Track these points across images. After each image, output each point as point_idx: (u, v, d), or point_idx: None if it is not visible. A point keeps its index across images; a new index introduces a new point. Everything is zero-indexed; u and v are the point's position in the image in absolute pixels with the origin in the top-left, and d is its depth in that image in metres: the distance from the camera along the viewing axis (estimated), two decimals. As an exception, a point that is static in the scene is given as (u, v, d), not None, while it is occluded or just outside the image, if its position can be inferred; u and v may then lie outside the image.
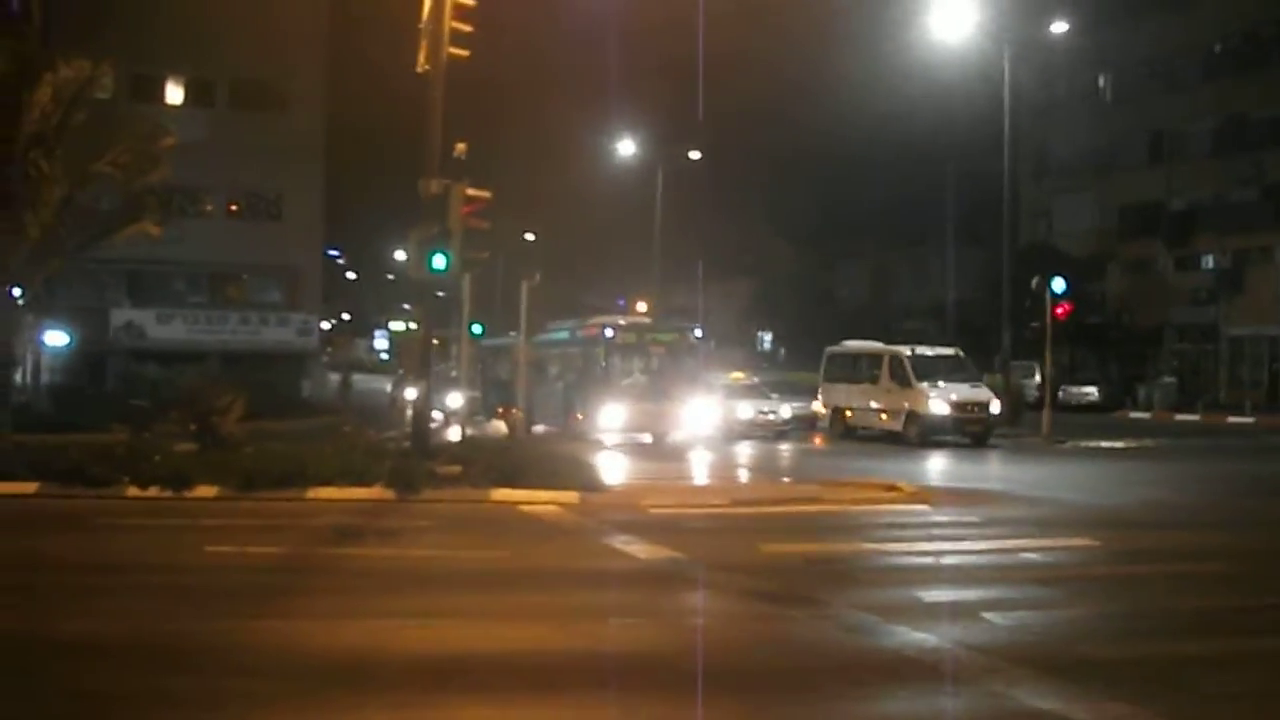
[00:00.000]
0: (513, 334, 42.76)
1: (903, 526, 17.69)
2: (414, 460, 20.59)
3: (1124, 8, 61.29)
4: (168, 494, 18.67)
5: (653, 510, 18.69)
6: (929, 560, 14.73)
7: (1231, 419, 48.80)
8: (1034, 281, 43.31)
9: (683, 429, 34.87)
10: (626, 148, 63.87)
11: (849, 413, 38.35)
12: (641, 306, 38.97)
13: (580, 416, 35.68)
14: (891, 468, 26.59)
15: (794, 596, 11.97)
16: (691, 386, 35.81)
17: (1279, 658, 9.82)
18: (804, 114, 64.00)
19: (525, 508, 18.50)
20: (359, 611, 11.17)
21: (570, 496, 19.14)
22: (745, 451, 33.40)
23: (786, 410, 38.47)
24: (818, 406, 39.90)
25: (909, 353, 37.81)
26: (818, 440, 37.70)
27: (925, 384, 36.08)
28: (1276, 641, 10.38)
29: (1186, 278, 62.15)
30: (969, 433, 35.79)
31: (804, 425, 39.59)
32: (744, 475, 27.41)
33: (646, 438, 34.85)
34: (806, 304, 56.61)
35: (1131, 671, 9.29)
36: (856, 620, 11.01)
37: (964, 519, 18.60)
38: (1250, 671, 9.42)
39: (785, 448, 34.92)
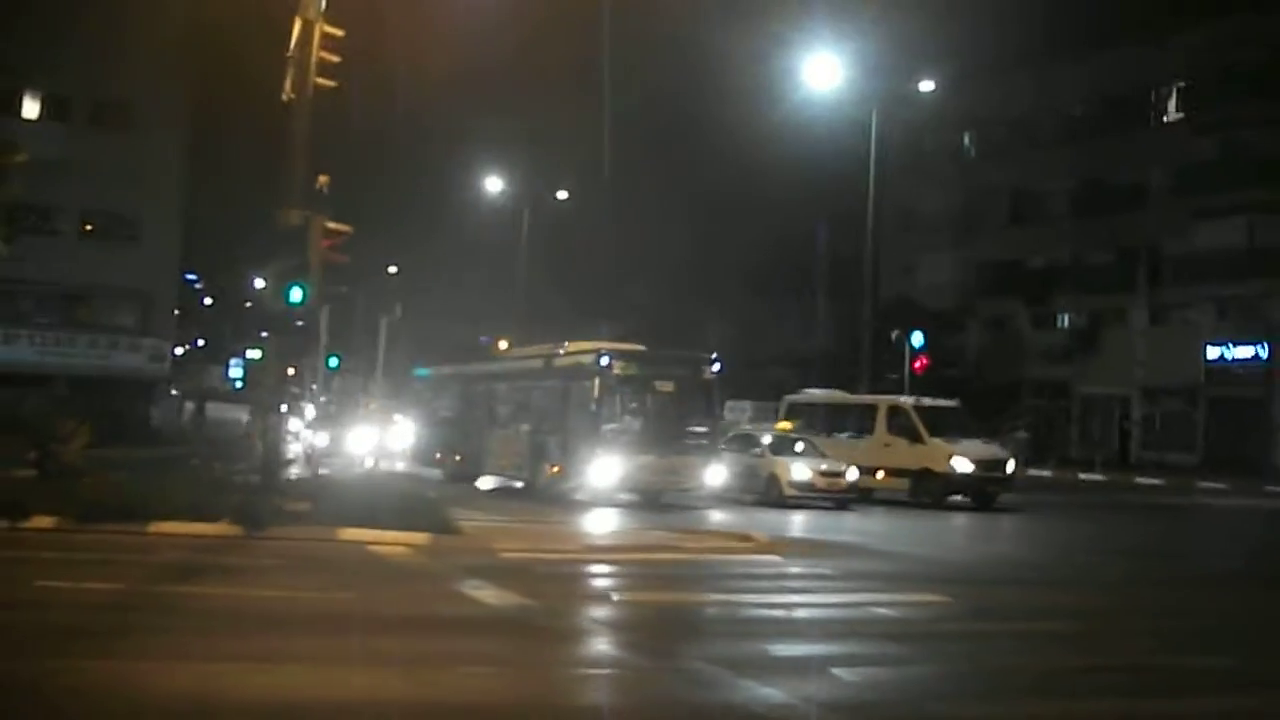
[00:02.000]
0: (471, 361, 38.17)
1: (756, 578, 17.62)
2: (262, 496, 20.11)
3: (989, 69, 62.62)
4: (2, 524, 17.96)
5: (504, 554, 18.43)
6: (780, 613, 14.64)
7: (1082, 475, 49.78)
8: (894, 335, 43.85)
9: (702, 488, 29.18)
10: (494, 185, 63.67)
11: None
12: (504, 345, 38.31)
13: (556, 470, 29.17)
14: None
15: (642, 648, 11.80)
16: (708, 434, 29.73)
17: (1112, 718, 9.88)
18: (677, 164, 64.38)
19: (374, 548, 18.13)
20: (196, 653, 10.76)
21: (421, 538, 18.77)
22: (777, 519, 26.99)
23: (853, 471, 30.98)
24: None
25: (913, 403, 34.47)
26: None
27: (940, 439, 32.37)
28: (1111, 703, 10.47)
29: (1043, 336, 63.48)
30: (987, 492, 32.25)
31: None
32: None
33: (652, 498, 29.12)
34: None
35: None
36: (704, 673, 10.87)
37: (817, 571, 18.59)
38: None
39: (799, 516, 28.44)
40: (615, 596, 14.86)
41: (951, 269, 66.31)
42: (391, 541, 18.49)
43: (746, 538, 21.45)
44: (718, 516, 27.11)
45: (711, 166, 63.79)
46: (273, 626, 12.23)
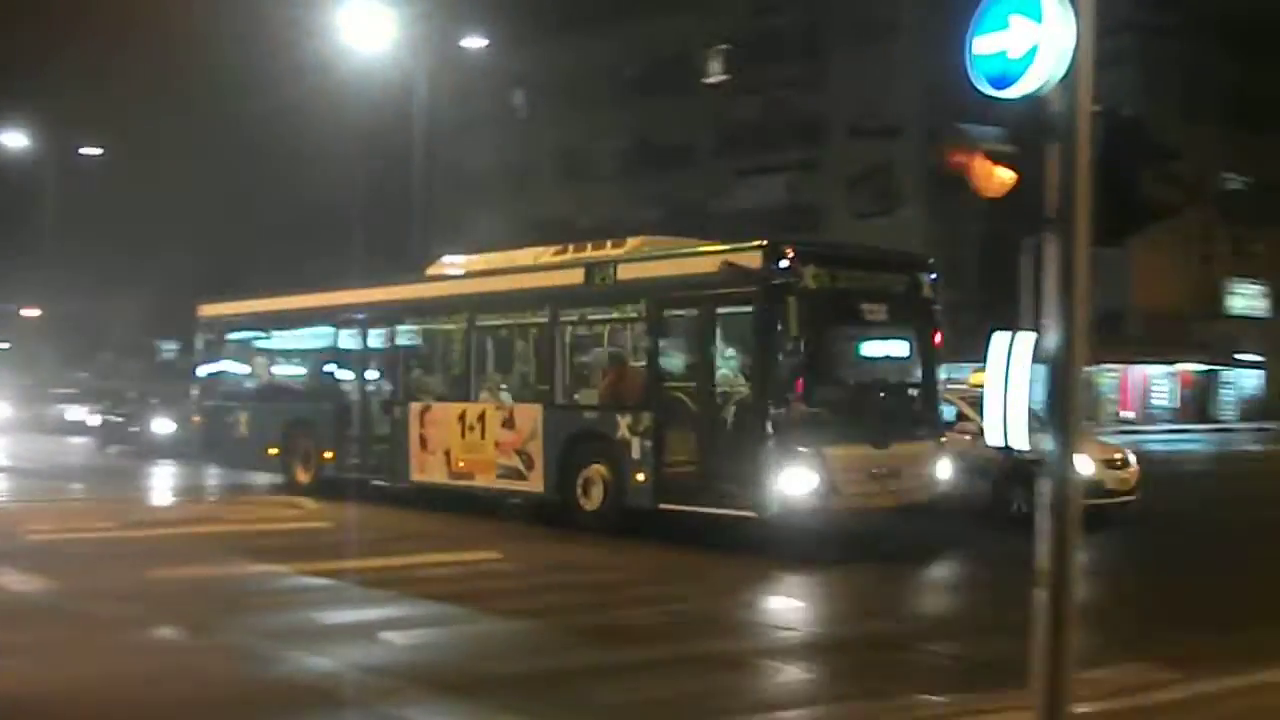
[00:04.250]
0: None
1: (304, 547, 17.05)
2: None
3: (540, 28, 63.31)
4: None
5: (33, 536, 17.24)
6: (329, 581, 14.20)
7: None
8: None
9: (930, 498, 16.85)
10: (16, 140, 59.32)
11: None
12: (33, 313, 34.80)
13: (640, 478, 16.70)
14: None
15: (184, 626, 11.29)
16: (931, 398, 17.18)
17: (665, 665, 10.11)
18: (213, 119, 62.17)
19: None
20: None
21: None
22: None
23: (1132, 458, 19.79)
24: None
25: None
26: None
27: None
28: (665, 649, 10.69)
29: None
30: None
31: None
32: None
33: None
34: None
35: (527, 685, 9.31)
36: (247, 647, 10.47)
37: (367, 535, 18.16)
38: (640, 680, 9.65)
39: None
40: (153, 573, 14.09)
41: (504, 226, 66.91)
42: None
43: (294, 505, 20.89)
44: None
45: (258, 124, 61.96)
46: None
